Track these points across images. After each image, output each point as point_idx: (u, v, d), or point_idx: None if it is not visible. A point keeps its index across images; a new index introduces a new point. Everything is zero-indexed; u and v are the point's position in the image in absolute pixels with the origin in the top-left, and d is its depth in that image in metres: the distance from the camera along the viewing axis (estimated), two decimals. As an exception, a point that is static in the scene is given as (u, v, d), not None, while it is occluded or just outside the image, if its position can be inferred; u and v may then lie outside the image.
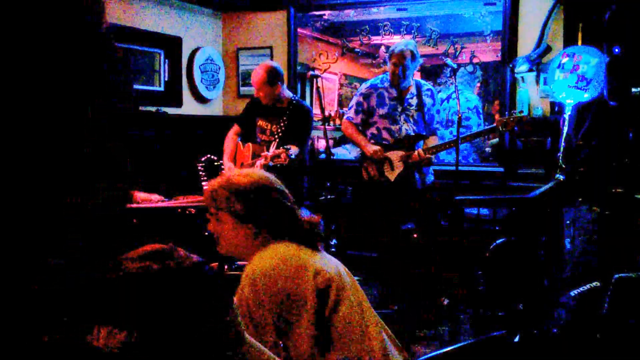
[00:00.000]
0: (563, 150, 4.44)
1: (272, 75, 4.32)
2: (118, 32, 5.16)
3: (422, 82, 4.42)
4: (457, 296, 3.99)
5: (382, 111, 4.29)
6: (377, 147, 4.22)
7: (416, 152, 4.15)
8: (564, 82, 4.42)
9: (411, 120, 4.26)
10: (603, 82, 4.35)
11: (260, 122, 4.51)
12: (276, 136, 4.35)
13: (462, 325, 3.85)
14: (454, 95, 4.28)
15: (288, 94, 4.49)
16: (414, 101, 4.26)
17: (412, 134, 4.25)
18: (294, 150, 4.07)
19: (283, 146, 4.06)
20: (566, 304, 3.45)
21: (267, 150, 4.21)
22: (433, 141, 4.32)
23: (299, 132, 4.35)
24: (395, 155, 4.22)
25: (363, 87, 4.42)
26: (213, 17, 6.19)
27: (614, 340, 3.04)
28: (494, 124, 4.25)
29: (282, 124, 4.35)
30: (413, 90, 4.28)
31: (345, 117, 4.49)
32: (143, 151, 4.95)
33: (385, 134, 4.29)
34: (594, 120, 4.54)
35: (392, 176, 4.23)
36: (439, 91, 5.47)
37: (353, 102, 4.46)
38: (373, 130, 4.34)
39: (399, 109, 4.26)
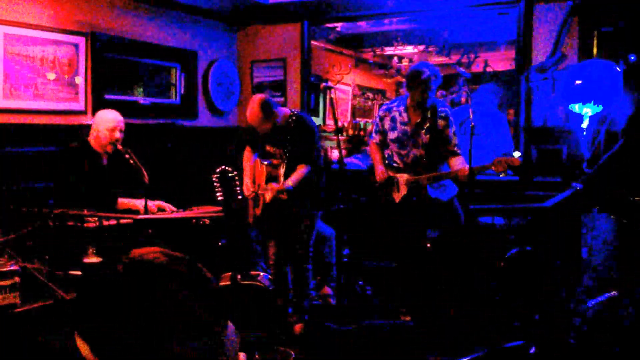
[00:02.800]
0: (580, 159, 4.41)
1: (267, 108, 4.16)
2: (136, 48, 5.24)
3: (439, 103, 4.35)
4: (472, 305, 3.95)
5: (392, 135, 4.31)
6: (381, 169, 4.28)
7: (421, 178, 4.16)
8: (578, 97, 4.39)
9: (420, 144, 4.23)
10: (617, 93, 4.32)
11: (268, 148, 4.47)
12: (284, 157, 4.31)
13: (479, 336, 3.81)
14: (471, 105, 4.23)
15: (284, 111, 4.40)
16: (424, 123, 4.23)
17: (421, 158, 4.24)
18: (291, 183, 4.08)
19: (284, 184, 4.05)
20: (584, 313, 3.41)
21: (279, 171, 4.22)
22: (457, 161, 4.23)
23: (304, 147, 4.29)
24: (402, 178, 4.23)
25: (381, 109, 4.48)
26: (228, 31, 6.26)
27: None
28: (490, 163, 4.15)
29: (287, 146, 4.29)
30: (426, 112, 4.24)
31: (370, 138, 4.58)
32: (159, 162, 5.00)
33: (396, 157, 4.32)
34: (610, 129, 4.50)
35: (397, 197, 4.24)
36: (452, 100, 5.46)
37: (375, 122, 4.55)
38: (388, 151, 4.39)
39: (409, 134, 4.25)
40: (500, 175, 3.93)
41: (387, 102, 4.57)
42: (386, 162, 4.36)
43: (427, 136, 4.21)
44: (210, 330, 1.06)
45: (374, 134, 4.48)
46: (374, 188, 4.37)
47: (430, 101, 4.18)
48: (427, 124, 4.21)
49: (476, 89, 5.29)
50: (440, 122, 4.22)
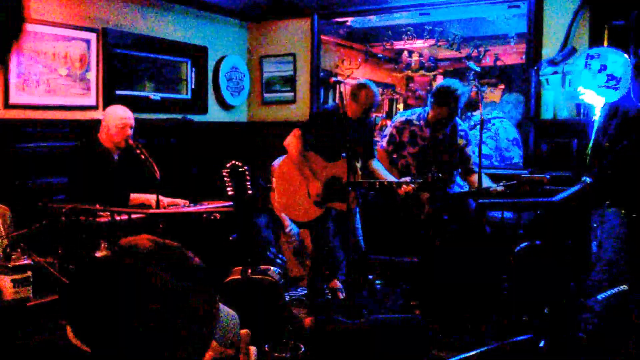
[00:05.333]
0: (591, 153, 4.38)
1: None
2: (147, 43, 5.27)
3: (459, 121, 4.34)
4: (481, 299, 3.95)
5: (412, 150, 4.29)
6: (407, 187, 4.12)
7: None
8: (593, 83, 4.36)
9: (440, 161, 4.23)
10: (630, 82, 4.29)
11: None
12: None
13: (487, 330, 3.81)
14: (484, 113, 4.20)
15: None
16: (445, 141, 4.23)
17: (440, 175, 4.24)
18: None
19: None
20: (593, 307, 3.40)
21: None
22: (473, 178, 4.25)
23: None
24: (424, 196, 4.22)
25: (398, 120, 4.40)
26: (238, 26, 6.27)
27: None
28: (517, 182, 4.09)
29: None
30: (446, 130, 4.23)
31: (379, 144, 4.50)
32: (170, 157, 5.04)
33: (413, 170, 4.30)
34: (621, 122, 4.47)
35: (422, 215, 4.24)
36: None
37: (387, 131, 4.47)
38: (403, 162, 4.35)
39: (429, 150, 4.23)
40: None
41: (404, 112, 4.50)
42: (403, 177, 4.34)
43: (447, 154, 4.21)
44: (198, 317, 1.07)
45: (385, 144, 4.42)
46: (396, 200, 4.31)
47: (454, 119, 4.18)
48: (448, 141, 4.21)
49: (498, 102, 5.30)
50: (460, 141, 4.23)
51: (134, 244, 1.09)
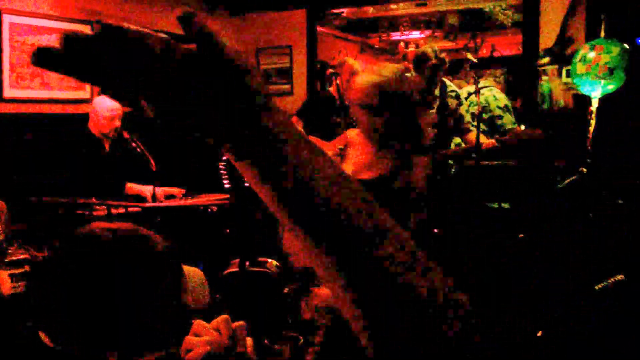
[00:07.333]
0: (588, 143, 4.38)
1: None
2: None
3: (447, 82, 4.34)
4: (478, 290, 3.96)
5: None
6: None
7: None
8: (590, 73, 4.36)
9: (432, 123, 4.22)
10: (626, 73, 4.29)
11: None
12: None
13: (486, 321, 3.82)
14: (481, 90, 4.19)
15: None
16: (435, 104, 4.22)
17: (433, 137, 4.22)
18: None
19: None
20: (591, 297, 3.41)
21: None
22: (470, 137, 4.24)
23: None
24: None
25: None
26: (233, 18, 6.24)
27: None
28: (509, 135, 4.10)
29: None
30: (436, 92, 4.22)
31: None
32: (166, 150, 5.01)
33: None
34: (617, 113, 4.48)
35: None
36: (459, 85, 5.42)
37: None
38: None
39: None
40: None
41: None
42: None
43: (439, 115, 4.20)
44: (161, 293, 1.05)
45: None
46: None
47: (435, 84, 4.17)
48: (438, 103, 4.21)
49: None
50: (451, 101, 4.22)
51: (95, 233, 1.05)
